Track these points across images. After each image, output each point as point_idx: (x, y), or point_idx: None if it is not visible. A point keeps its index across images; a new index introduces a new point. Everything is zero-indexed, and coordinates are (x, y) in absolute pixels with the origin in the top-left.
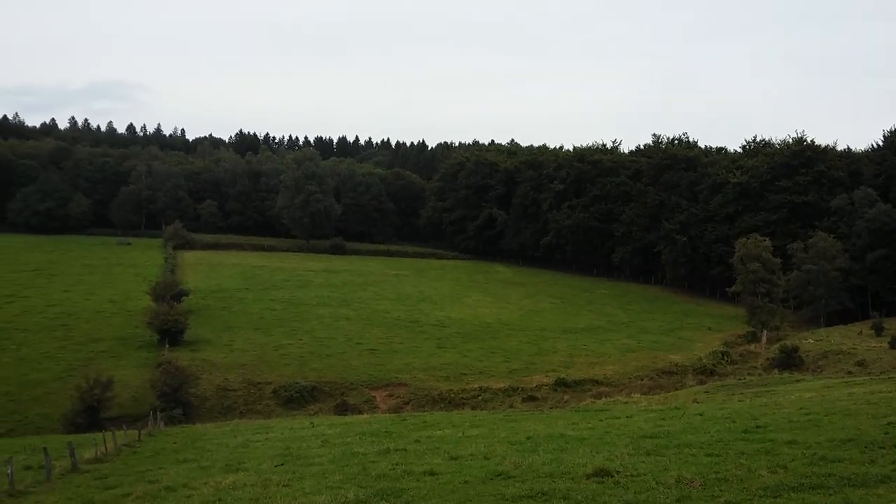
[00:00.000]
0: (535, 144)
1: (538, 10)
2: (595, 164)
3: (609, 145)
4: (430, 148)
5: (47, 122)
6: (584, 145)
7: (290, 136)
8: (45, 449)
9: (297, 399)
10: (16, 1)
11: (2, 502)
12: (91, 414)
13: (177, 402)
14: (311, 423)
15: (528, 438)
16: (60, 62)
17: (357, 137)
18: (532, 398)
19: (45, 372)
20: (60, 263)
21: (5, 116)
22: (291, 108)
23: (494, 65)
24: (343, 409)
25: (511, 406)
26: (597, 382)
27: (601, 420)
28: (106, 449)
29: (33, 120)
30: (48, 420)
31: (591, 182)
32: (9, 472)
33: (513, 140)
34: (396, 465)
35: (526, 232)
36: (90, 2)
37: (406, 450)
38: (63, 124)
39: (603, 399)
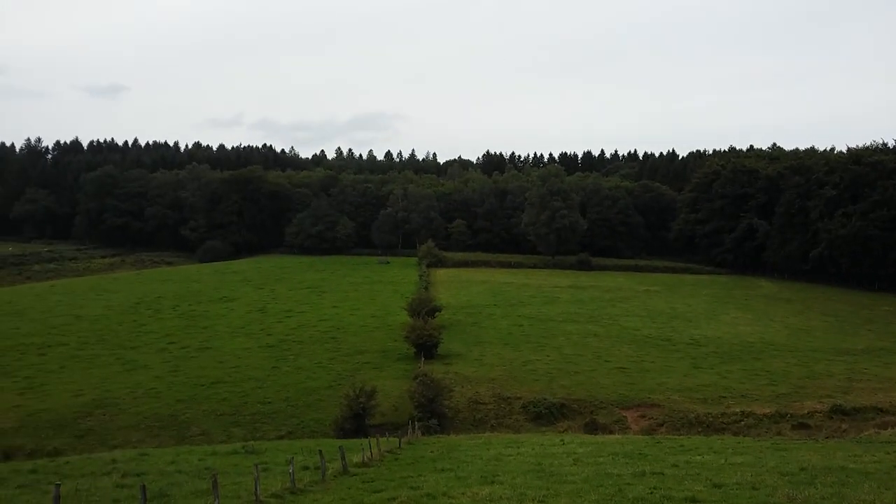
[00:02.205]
0: (801, 147)
1: (793, 4)
2: (875, 165)
3: (891, 144)
4: (680, 157)
5: (317, 153)
6: (860, 145)
7: (535, 154)
8: (320, 452)
9: (546, 415)
10: (293, 54)
11: (285, 499)
12: (357, 420)
13: (432, 413)
14: (562, 440)
15: (801, 469)
16: (329, 100)
17: (602, 151)
18: (803, 426)
19: (318, 380)
20: (330, 282)
21: (283, 150)
22: (536, 126)
23: (752, 66)
24: (593, 427)
25: (778, 433)
26: (881, 411)
27: (888, 453)
28: (371, 454)
29: (306, 152)
30: (321, 424)
31: (870, 186)
32: (290, 471)
33: (774, 144)
34: (654, 489)
35: (792, 243)
36: (353, 47)
37: (663, 474)
38: (331, 154)
39: (889, 430)
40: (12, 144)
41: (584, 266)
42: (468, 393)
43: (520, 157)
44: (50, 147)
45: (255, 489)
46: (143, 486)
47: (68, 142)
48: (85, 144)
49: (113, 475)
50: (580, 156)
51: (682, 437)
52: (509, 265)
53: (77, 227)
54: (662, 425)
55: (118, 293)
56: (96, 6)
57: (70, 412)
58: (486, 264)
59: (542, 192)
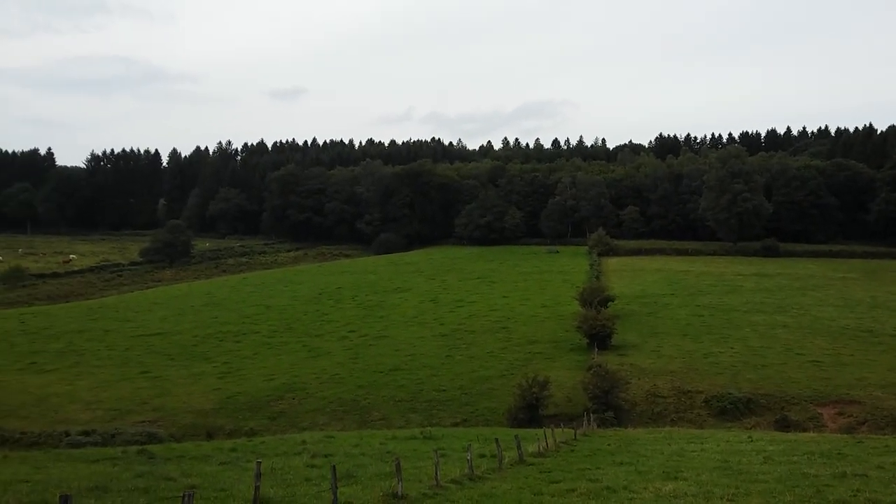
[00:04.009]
0: None
1: None
2: None
3: None
4: (879, 132)
5: (484, 144)
6: None
7: (713, 135)
8: (496, 440)
9: (731, 411)
10: (461, 47)
11: (464, 485)
12: (530, 410)
13: (607, 406)
14: (750, 437)
15: None
16: (496, 90)
17: (788, 128)
18: None
19: (491, 369)
20: (499, 272)
21: (450, 143)
22: (712, 106)
23: None
24: (784, 424)
25: None
26: None
27: None
28: (547, 444)
29: (473, 144)
30: (494, 413)
31: None
32: (468, 458)
33: None
34: (857, 491)
35: None
36: (519, 35)
37: (867, 476)
38: (497, 145)
39: None
40: (206, 148)
41: (769, 252)
42: (645, 385)
43: (695, 138)
44: (239, 149)
45: (436, 474)
46: (334, 466)
47: (255, 143)
48: (269, 145)
49: (303, 455)
50: (763, 134)
51: (887, 436)
52: (686, 252)
53: (264, 222)
54: (863, 424)
55: (302, 284)
56: (276, 15)
57: (263, 395)
58: (661, 252)
59: (721, 175)
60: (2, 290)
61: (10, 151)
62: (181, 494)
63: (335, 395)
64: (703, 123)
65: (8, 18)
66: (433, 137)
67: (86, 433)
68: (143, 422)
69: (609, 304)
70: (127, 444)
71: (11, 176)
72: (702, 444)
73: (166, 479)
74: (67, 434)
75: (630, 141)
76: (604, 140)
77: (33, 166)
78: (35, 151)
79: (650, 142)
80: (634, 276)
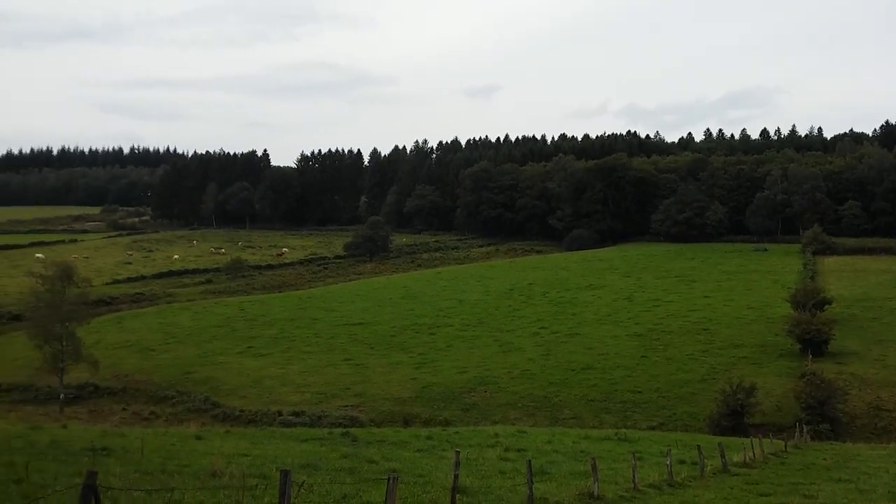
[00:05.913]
0: None
1: None
2: None
3: None
4: None
5: (684, 136)
6: None
7: None
8: (698, 447)
9: None
10: (659, 35)
11: (663, 490)
12: (734, 418)
13: (823, 417)
14: None
15: None
16: (699, 79)
17: None
18: None
19: (690, 373)
20: (699, 270)
21: (647, 136)
22: None
23: None
24: None
25: None
26: None
27: None
28: (753, 455)
29: (672, 136)
30: (694, 419)
31: None
32: (668, 463)
33: None
34: None
35: None
36: (726, 19)
37: None
38: (699, 137)
39: None
40: (404, 147)
41: None
42: (867, 397)
43: None
44: (434, 147)
45: (633, 477)
46: (529, 461)
47: (449, 141)
48: (463, 142)
49: (497, 448)
50: None
51: None
52: None
53: (457, 218)
54: None
55: (494, 280)
56: (471, 15)
57: (456, 387)
58: (888, 251)
59: None
60: (225, 280)
61: (232, 153)
62: (386, 477)
63: (526, 390)
64: None
65: (232, 30)
66: (628, 130)
67: (296, 414)
68: (346, 406)
69: (826, 307)
70: (332, 426)
71: (234, 175)
72: None
73: (369, 462)
74: (280, 414)
75: (851, 129)
76: (820, 129)
77: (251, 166)
78: (253, 153)
79: (875, 130)
80: (856, 277)
